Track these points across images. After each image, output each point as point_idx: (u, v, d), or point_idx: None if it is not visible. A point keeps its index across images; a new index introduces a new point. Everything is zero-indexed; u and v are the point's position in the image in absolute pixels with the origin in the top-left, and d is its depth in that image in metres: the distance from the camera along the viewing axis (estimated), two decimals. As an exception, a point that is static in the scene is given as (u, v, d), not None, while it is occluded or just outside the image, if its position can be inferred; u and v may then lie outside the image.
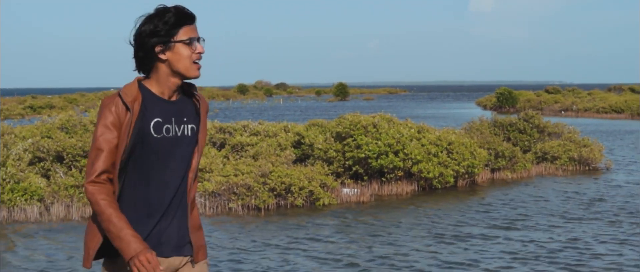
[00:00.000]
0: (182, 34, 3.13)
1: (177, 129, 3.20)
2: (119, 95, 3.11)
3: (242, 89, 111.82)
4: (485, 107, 58.40)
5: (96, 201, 3.05)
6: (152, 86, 3.18)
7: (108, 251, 3.18)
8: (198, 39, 3.17)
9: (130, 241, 3.01)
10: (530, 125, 18.64)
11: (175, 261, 3.24)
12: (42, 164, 13.18)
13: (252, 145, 15.68)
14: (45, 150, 13.23)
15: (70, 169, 12.92)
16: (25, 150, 13.62)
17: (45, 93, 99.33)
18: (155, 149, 3.16)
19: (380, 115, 15.13)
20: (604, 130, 31.33)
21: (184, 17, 3.13)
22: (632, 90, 72.64)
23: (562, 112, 47.99)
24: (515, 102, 54.17)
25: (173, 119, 3.20)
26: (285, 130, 17.10)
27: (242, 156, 15.15)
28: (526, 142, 18.29)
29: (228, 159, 14.90)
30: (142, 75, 3.21)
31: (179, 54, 3.12)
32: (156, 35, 3.09)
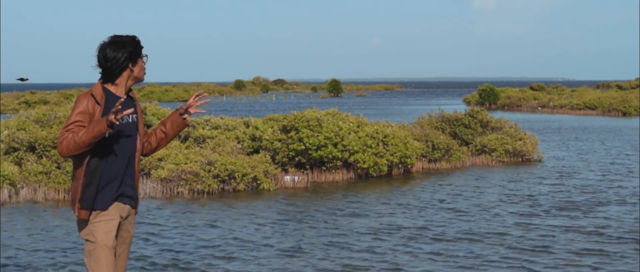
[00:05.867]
0: (142, 54, 4.89)
1: (128, 118, 4.84)
2: (92, 95, 4.71)
3: (239, 85, 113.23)
4: (469, 103, 59.90)
5: (73, 135, 4.56)
6: (111, 88, 4.80)
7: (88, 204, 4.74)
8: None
9: (99, 120, 4.56)
10: (475, 120, 20.20)
11: (129, 209, 4.88)
12: (16, 153, 14.78)
13: (212, 138, 17.27)
14: (19, 141, 14.82)
15: (41, 158, 14.51)
16: (1, 141, 15.20)
17: (47, 88, 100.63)
18: (116, 132, 4.71)
19: (327, 111, 16.73)
20: (563, 126, 32.90)
21: (140, 44, 4.87)
22: (619, 87, 74.06)
23: (539, 108, 49.52)
24: (496, 98, 55.77)
25: (125, 110, 4.75)
26: (246, 124, 18.68)
27: (202, 148, 16.73)
28: (470, 136, 19.86)
29: (188, 149, 16.47)
30: (101, 80, 4.83)
31: (140, 67, 4.87)
32: (131, 56, 4.80)
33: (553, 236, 9.83)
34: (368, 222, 10.97)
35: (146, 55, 4.92)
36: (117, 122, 4.55)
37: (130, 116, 4.88)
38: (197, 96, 5.08)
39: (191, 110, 5.07)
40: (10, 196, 13.17)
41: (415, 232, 10.16)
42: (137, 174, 4.94)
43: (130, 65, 4.83)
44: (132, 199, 4.91)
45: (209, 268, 8.33)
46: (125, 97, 4.79)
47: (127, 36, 4.84)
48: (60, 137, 4.61)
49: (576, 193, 13.54)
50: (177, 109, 5.10)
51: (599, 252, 8.92)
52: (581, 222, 10.75)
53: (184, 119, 5.08)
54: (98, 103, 4.71)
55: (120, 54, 4.76)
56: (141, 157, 5.02)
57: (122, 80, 4.83)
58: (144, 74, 4.93)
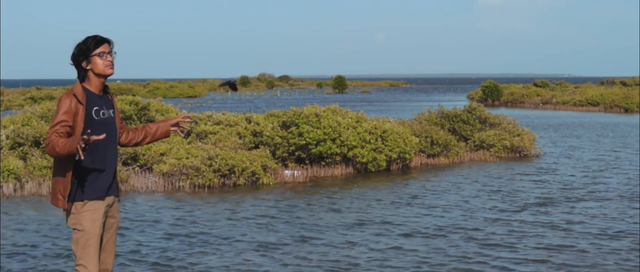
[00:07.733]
0: (97, 51, 5.09)
1: (106, 113, 5.17)
2: (74, 94, 5.01)
3: (244, 81, 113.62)
4: (472, 99, 60.10)
5: (56, 140, 4.81)
6: (89, 86, 5.13)
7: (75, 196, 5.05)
8: (109, 52, 5.13)
9: (74, 139, 4.83)
10: (474, 116, 20.44)
11: (113, 198, 5.23)
12: (21, 148, 15.09)
13: (214, 133, 17.56)
14: (24, 136, 15.14)
15: (46, 153, 14.82)
16: (7, 136, 15.52)
17: (54, 84, 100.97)
18: (97, 126, 5.05)
19: (327, 107, 17.00)
20: (562, 122, 33.10)
21: (97, 41, 5.11)
22: (624, 83, 74.07)
23: (541, 104, 49.68)
24: (500, 94, 55.98)
25: (104, 106, 5.18)
26: (247, 120, 18.96)
27: (204, 143, 17.02)
28: (469, 132, 20.10)
29: (190, 144, 16.76)
30: (79, 79, 5.15)
31: (95, 63, 5.10)
32: (81, 54, 5.09)
33: (525, 231, 9.98)
34: (348, 216, 11.19)
35: (108, 52, 5.11)
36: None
37: (108, 111, 5.21)
38: (185, 117, 5.53)
39: (180, 123, 5.55)
40: (15, 190, 13.49)
41: (395, 228, 10.35)
42: (116, 164, 5.32)
43: (83, 63, 5.10)
44: (115, 189, 5.27)
45: (199, 262, 8.62)
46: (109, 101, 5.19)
47: (90, 36, 5.14)
48: (48, 139, 4.89)
49: (556, 189, 13.70)
50: (169, 120, 5.54)
51: (568, 247, 9.05)
52: (553, 218, 10.90)
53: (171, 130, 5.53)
54: (80, 102, 5.01)
55: (73, 53, 5.12)
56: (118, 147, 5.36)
57: (89, 78, 5.12)
58: (109, 69, 5.12)
